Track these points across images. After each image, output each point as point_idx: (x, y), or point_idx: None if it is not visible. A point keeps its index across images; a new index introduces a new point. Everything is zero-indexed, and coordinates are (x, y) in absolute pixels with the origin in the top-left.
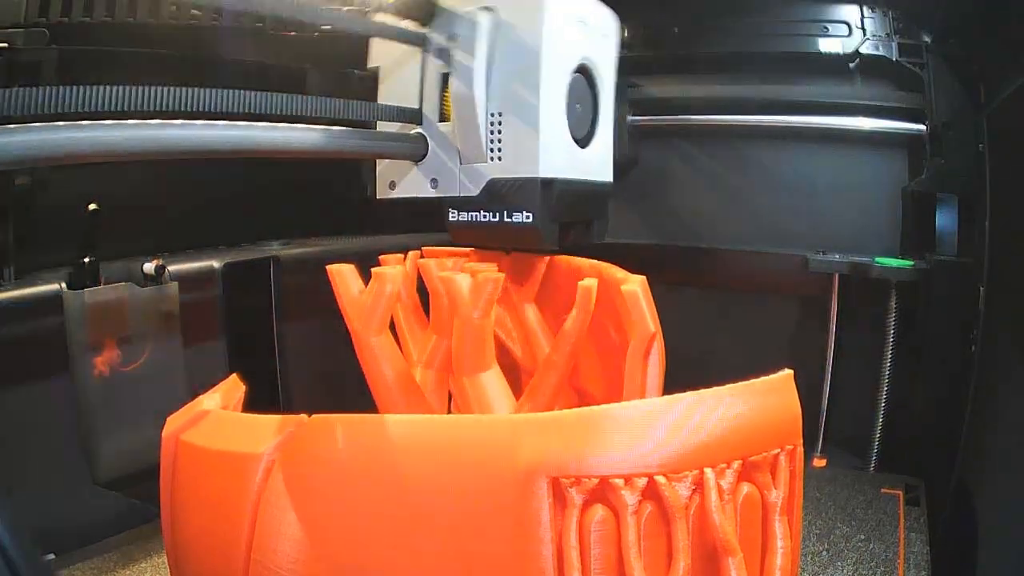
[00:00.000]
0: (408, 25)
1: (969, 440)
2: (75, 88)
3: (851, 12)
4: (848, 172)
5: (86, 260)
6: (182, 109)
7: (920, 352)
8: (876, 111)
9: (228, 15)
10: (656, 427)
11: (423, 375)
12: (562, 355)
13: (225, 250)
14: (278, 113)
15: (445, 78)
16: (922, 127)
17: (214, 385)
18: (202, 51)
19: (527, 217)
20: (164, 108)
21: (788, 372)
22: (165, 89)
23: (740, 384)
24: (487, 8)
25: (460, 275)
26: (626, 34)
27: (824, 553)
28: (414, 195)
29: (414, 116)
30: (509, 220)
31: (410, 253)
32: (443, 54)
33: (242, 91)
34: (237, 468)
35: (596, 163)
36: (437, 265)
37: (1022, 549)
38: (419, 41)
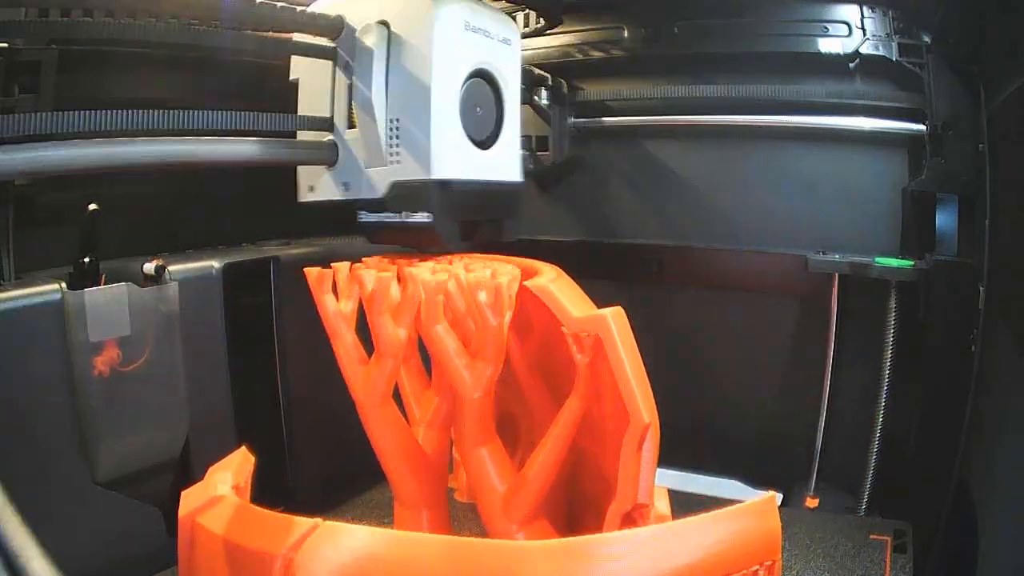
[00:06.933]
0: (321, 40)
1: (968, 449)
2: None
3: (851, 12)
4: (848, 172)
5: (86, 260)
6: (123, 128)
7: (920, 354)
8: (876, 111)
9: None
10: (644, 554)
11: (425, 435)
12: (560, 436)
13: (225, 250)
14: (207, 128)
15: (352, 88)
16: (922, 127)
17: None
18: (203, 51)
19: (426, 217)
20: (104, 128)
21: (771, 494)
22: (104, 112)
23: (724, 511)
24: (382, 22)
25: (461, 358)
26: (625, 34)
27: None
28: (329, 198)
29: (325, 124)
30: (411, 220)
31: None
32: (348, 66)
33: (174, 110)
34: (254, 564)
35: (500, 164)
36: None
37: None
38: (330, 55)
